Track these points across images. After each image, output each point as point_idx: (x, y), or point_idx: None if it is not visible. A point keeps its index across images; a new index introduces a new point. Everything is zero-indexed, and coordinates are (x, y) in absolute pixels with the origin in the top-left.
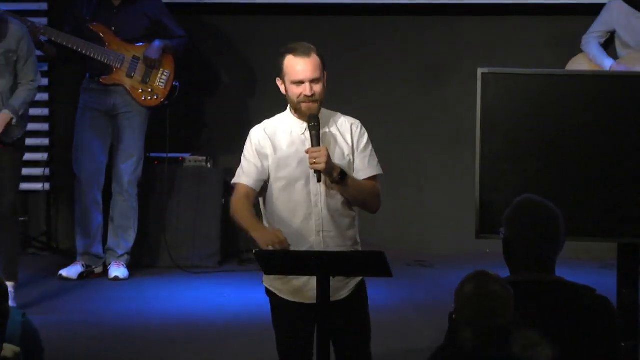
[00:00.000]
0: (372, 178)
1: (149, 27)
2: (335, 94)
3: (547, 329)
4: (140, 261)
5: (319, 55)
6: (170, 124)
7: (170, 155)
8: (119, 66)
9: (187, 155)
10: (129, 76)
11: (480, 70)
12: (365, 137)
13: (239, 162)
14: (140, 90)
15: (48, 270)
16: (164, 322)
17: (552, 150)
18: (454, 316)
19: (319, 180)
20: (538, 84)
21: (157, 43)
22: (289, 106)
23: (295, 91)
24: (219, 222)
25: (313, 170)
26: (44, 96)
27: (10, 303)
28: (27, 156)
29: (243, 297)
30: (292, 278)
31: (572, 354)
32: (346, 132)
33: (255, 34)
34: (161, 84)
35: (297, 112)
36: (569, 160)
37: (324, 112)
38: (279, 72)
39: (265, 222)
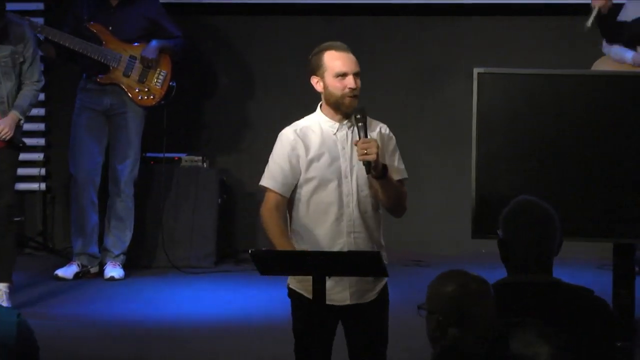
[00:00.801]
0: (400, 182)
1: (147, 27)
2: None
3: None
4: (137, 261)
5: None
6: (166, 124)
7: (166, 155)
8: (115, 65)
9: (183, 155)
10: (126, 75)
11: (476, 70)
12: (393, 140)
13: (235, 161)
14: (137, 90)
15: (44, 270)
16: (161, 323)
17: (548, 151)
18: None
19: (368, 172)
20: (534, 84)
21: (154, 43)
22: (319, 106)
23: (338, 85)
24: (215, 222)
25: (362, 162)
26: (40, 96)
27: (5, 303)
28: (24, 156)
29: (240, 297)
30: None
31: (570, 355)
32: (375, 134)
33: (252, 34)
34: (158, 84)
35: (339, 108)
36: (565, 161)
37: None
38: (315, 69)
39: (291, 225)
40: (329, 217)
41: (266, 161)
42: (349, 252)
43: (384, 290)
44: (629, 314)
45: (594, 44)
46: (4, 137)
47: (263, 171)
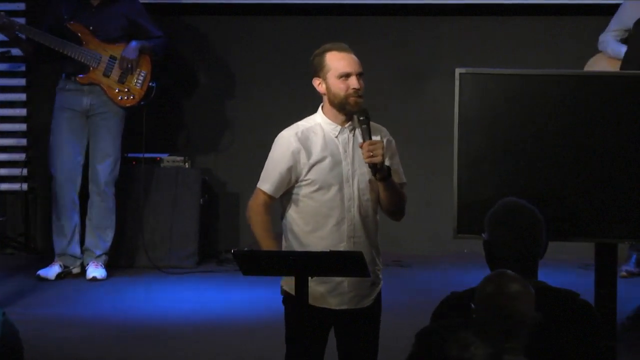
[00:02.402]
0: (400, 186)
1: (127, 28)
2: (315, 94)
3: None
4: (118, 261)
5: None
6: (148, 123)
7: (147, 155)
8: (95, 66)
9: (164, 156)
10: (106, 76)
11: (457, 70)
12: (393, 144)
13: (216, 161)
14: (117, 90)
15: (25, 270)
16: (143, 323)
17: (530, 150)
18: (474, 316)
19: (374, 175)
20: (516, 84)
21: (133, 43)
22: (320, 107)
23: (341, 85)
24: (197, 222)
25: (368, 165)
26: (21, 96)
27: None
28: (5, 156)
29: (222, 297)
30: (317, 283)
31: (554, 357)
32: (377, 137)
33: (232, 34)
34: (138, 84)
35: (344, 108)
36: (547, 161)
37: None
38: (317, 71)
39: (288, 226)
40: (330, 221)
41: (247, 161)
42: (331, 252)
43: (379, 297)
44: (611, 314)
45: (577, 44)
46: None
47: (245, 171)
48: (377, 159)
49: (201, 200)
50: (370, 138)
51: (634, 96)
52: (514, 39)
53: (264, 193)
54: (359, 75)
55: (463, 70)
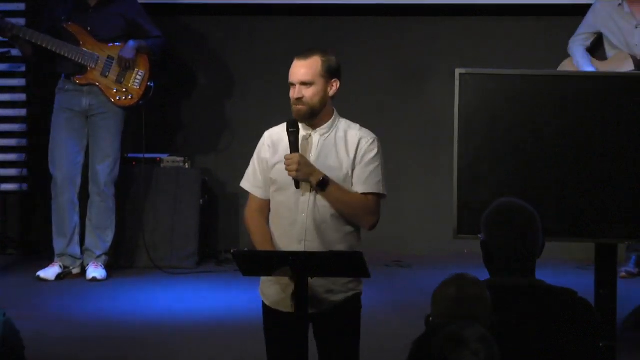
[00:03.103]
0: (369, 195)
1: (125, 28)
2: None
3: (527, 332)
4: (118, 262)
5: (326, 60)
6: (148, 124)
7: (147, 155)
8: (93, 66)
9: (164, 156)
10: (104, 76)
11: (457, 71)
12: (373, 153)
13: (216, 162)
14: (115, 90)
15: (25, 271)
16: (143, 323)
17: (530, 151)
18: (430, 319)
19: (297, 187)
20: (516, 85)
21: (131, 43)
22: None
23: (291, 94)
24: (197, 222)
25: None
26: (21, 97)
27: None
28: (4, 157)
29: (221, 298)
30: (272, 284)
31: (552, 357)
32: (352, 145)
33: (233, 34)
34: (135, 84)
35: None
36: (547, 161)
37: (339, 121)
38: None
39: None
40: (284, 221)
41: (247, 161)
42: (331, 253)
43: (348, 306)
44: (611, 314)
45: None
46: None
47: (244, 171)
48: (292, 174)
49: (201, 200)
50: (297, 150)
51: (634, 96)
52: (513, 39)
53: (254, 197)
54: (304, 85)
55: (463, 70)
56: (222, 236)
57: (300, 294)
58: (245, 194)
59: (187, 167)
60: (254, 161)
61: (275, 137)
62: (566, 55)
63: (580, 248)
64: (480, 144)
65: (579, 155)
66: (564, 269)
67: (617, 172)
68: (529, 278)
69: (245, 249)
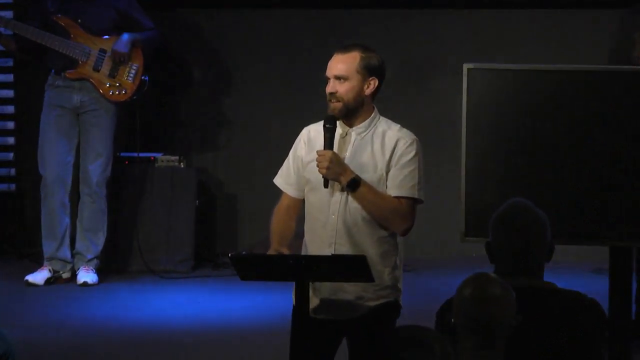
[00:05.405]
0: (402, 199)
1: (117, 20)
2: (315, 92)
3: (535, 335)
4: (110, 266)
5: (365, 57)
6: (141, 121)
7: (141, 154)
8: (84, 60)
9: (159, 155)
10: (96, 70)
11: (465, 66)
12: (410, 156)
13: (213, 161)
14: (108, 85)
15: (14, 275)
16: (136, 330)
17: (540, 149)
18: (452, 320)
19: (325, 186)
20: (525, 80)
21: (125, 36)
22: None
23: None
24: (193, 224)
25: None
26: (9, 93)
27: None
28: None
29: (218, 303)
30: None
31: (555, 358)
32: (389, 146)
33: (228, 28)
34: (129, 78)
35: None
36: (558, 160)
37: (379, 120)
38: None
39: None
40: (316, 224)
41: (245, 161)
42: (332, 256)
43: (387, 306)
44: (625, 318)
45: (589, 37)
46: None
47: (243, 171)
48: (322, 171)
49: (197, 201)
50: (331, 147)
51: None
52: (522, 33)
53: (285, 195)
54: (338, 79)
55: (471, 65)
56: (220, 239)
57: (301, 301)
58: (244, 194)
59: (182, 166)
60: (289, 158)
61: (313, 134)
62: (578, 47)
63: (596, 251)
64: (489, 141)
65: (593, 153)
66: (577, 272)
67: (632, 172)
68: (531, 279)
69: (243, 252)
